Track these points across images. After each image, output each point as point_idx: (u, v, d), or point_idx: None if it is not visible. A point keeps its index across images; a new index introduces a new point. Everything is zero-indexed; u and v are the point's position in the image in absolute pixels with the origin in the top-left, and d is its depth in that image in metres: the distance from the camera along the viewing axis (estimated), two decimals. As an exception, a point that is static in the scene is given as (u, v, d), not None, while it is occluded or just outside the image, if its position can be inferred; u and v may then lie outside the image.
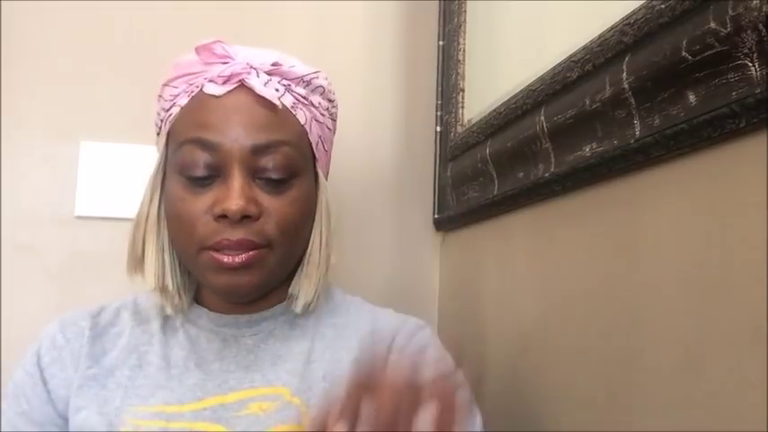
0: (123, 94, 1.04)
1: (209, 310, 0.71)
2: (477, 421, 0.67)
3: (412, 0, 1.16)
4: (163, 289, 0.68)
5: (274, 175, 0.64)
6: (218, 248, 0.63)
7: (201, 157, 0.63)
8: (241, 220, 0.62)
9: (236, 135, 0.63)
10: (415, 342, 0.71)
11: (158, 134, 0.71)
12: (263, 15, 1.10)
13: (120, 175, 1.02)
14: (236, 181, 0.62)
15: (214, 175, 0.64)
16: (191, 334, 0.70)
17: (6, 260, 0.99)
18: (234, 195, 0.61)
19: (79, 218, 1.01)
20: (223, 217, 0.62)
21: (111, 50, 1.05)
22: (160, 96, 0.69)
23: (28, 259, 1.00)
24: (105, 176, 1.02)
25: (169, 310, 0.70)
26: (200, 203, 0.63)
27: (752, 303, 0.45)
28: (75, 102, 1.03)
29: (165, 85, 0.69)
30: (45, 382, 0.67)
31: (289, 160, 0.65)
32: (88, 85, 1.04)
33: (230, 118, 0.63)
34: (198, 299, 0.73)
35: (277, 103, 0.64)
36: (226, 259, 0.62)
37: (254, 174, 0.64)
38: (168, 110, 0.68)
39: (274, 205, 0.64)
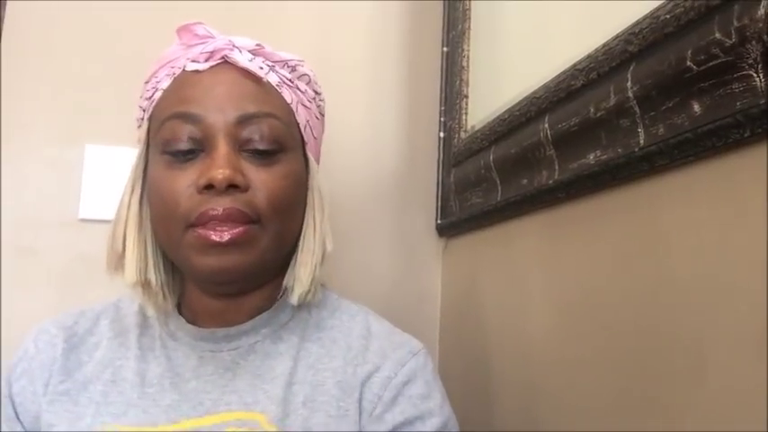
0: (128, 97, 1.04)
1: (187, 321, 0.67)
2: None
3: (416, 6, 1.16)
4: (145, 284, 0.64)
5: (261, 146, 0.61)
6: (204, 222, 0.58)
7: (185, 130, 0.60)
8: (227, 189, 0.58)
9: (220, 106, 0.60)
10: (403, 374, 0.64)
11: (139, 127, 0.68)
12: (267, 22, 1.10)
13: (124, 179, 1.02)
14: (222, 150, 0.59)
15: (198, 149, 0.60)
16: (168, 347, 0.66)
17: (10, 262, 0.99)
18: (219, 164, 0.58)
19: (83, 220, 1.02)
20: (209, 188, 0.58)
21: (116, 54, 1.05)
22: (141, 95, 0.67)
23: (31, 261, 1.00)
24: (109, 179, 1.02)
25: (151, 311, 0.66)
26: (183, 179, 0.60)
27: (755, 311, 0.45)
28: (79, 105, 1.04)
29: (147, 81, 0.67)
30: (12, 396, 0.65)
31: (275, 131, 0.62)
32: (93, 88, 1.04)
33: (214, 89, 0.61)
34: (181, 306, 0.69)
35: (262, 76, 0.62)
36: (213, 235, 0.58)
37: (240, 146, 0.61)
38: (150, 98, 0.65)
39: (262, 178, 0.61)
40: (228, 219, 0.58)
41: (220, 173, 0.58)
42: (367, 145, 1.12)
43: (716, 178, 0.50)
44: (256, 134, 0.61)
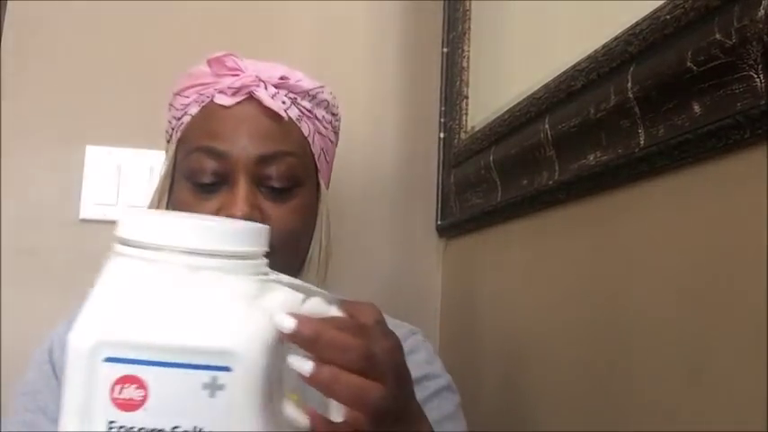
0: (129, 98, 1.05)
1: None
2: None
3: (416, 7, 1.16)
4: None
5: (277, 184, 0.66)
6: None
7: (209, 165, 0.65)
8: None
9: (244, 144, 0.65)
10: (406, 346, 0.70)
11: (168, 141, 0.73)
12: (267, 25, 1.10)
13: (125, 179, 1.02)
14: (242, 188, 0.64)
15: (221, 182, 0.66)
16: None
17: (10, 263, 0.99)
18: (239, 202, 0.64)
19: (84, 221, 1.02)
20: None
21: (116, 55, 1.05)
22: (171, 105, 0.72)
23: (32, 262, 1.00)
24: (110, 180, 1.02)
25: None
26: (205, 208, 0.65)
27: (754, 311, 0.45)
28: (80, 106, 1.04)
29: (177, 94, 0.71)
30: (59, 380, 0.67)
31: (292, 170, 0.67)
32: (94, 89, 1.04)
33: (238, 128, 0.66)
34: None
35: (283, 115, 0.67)
36: None
37: (259, 182, 0.66)
38: (180, 118, 0.70)
39: (276, 213, 0.66)
40: None
41: (239, 209, 0.63)
42: (367, 145, 1.12)
43: (716, 179, 0.50)
44: (274, 172, 0.66)
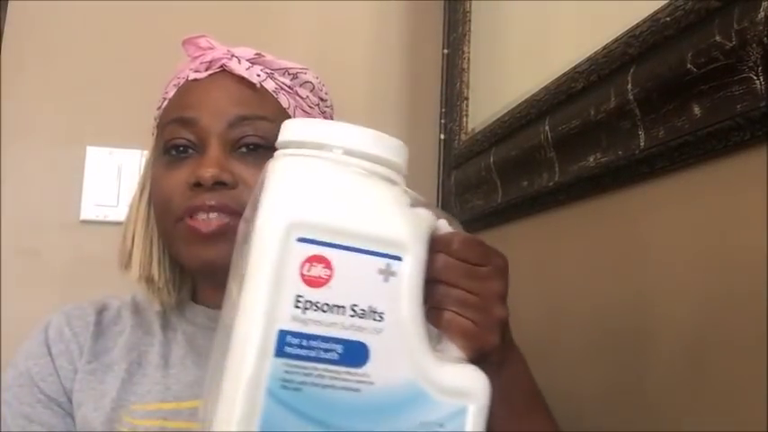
0: (129, 99, 1.05)
1: (207, 307, 0.70)
2: None
3: (416, 8, 1.16)
4: (148, 280, 0.68)
5: (250, 143, 0.64)
6: (192, 213, 0.62)
7: (181, 133, 0.64)
8: (215, 187, 0.61)
9: (214, 111, 0.64)
10: None
11: (152, 134, 0.71)
12: (267, 25, 1.11)
13: (125, 180, 1.02)
14: (212, 151, 0.63)
15: (194, 151, 0.64)
16: (188, 333, 0.69)
17: (11, 263, 0.99)
18: (207, 163, 0.62)
19: (84, 222, 1.02)
20: (198, 185, 0.62)
21: (117, 56, 1.05)
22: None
23: (32, 262, 1.00)
24: (111, 181, 1.02)
25: (157, 306, 0.69)
26: (178, 177, 0.63)
27: (754, 311, 0.45)
28: (81, 107, 1.04)
29: (162, 97, 0.71)
30: (57, 372, 0.67)
31: (266, 132, 0.64)
32: (94, 90, 1.04)
33: (209, 95, 0.65)
34: (196, 298, 0.72)
35: (255, 81, 0.65)
36: (200, 226, 0.61)
37: (232, 147, 0.64)
38: (160, 107, 0.70)
39: (252, 175, 0.62)
40: (213, 211, 0.62)
41: (208, 171, 0.61)
42: (367, 147, 1.12)
43: (716, 180, 0.50)
44: (247, 133, 0.64)
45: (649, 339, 0.57)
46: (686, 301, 0.53)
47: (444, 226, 0.43)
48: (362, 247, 0.37)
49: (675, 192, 0.55)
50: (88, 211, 1.02)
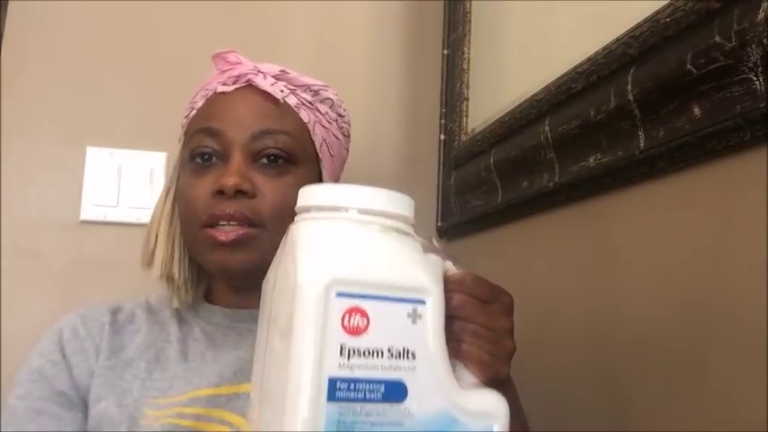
0: (129, 99, 1.05)
1: (224, 307, 0.73)
2: None
3: (416, 8, 1.16)
4: (169, 277, 0.72)
5: (270, 154, 0.68)
6: (213, 223, 0.66)
7: (207, 143, 0.68)
8: (236, 195, 0.65)
9: (238, 122, 0.68)
10: None
11: (179, 141, 0.75)
12: (268, 26, 1.11)
13: (125, 181, 1.02)
14: (235, 161, 0.67)
15: (218, 159, 0.68)
16: (207, 331, 0.72)
17: (11, 264, 0.99)
18: (230, 173, 0.66)
19: (84, 222, 1.02)
20: (220, 193, 0.66)
21: (117, 56, 1.05)
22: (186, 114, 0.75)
23: (32, 263, 1.00)
24: (111, 182, 1.02)
25: (176, 303, 0.73)
26: (203, 185, 0.67)
27: (754, 312, 0.45)
28: (81, 107, 1.04)
29: (190, 101, 0.74)
30: (70, 369, 0.69)
31: (286, 146, 0.69)
32: (95, 90, 1.04)
33: (234, 108, 0.69)
34: (211, 299, 0.75)
35: (278, 96, 0.70)
36: (220, 236, 0.65)
37: (254, 158, 0.68)
38: (188, 115, 0.74)
39: (270, 186, 0.67)
40: (233, 218, 0.65)
41: (230, 180, 0.65)
42: (367, 147, 1.12)
43: (716, 181, 0.51)
44: (268, 146, 0.68)
45: (649, 339, 0.57)
46: (686, 301, 0.53)
47: (451, 267, 0.47)
48: (392, 296, 0.41)
49: (675, 192, 0.55)
50: (88, 212, 1.02)
